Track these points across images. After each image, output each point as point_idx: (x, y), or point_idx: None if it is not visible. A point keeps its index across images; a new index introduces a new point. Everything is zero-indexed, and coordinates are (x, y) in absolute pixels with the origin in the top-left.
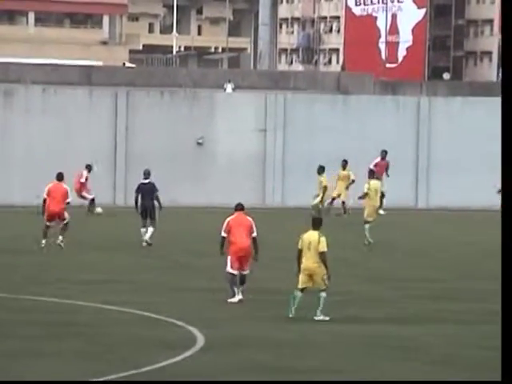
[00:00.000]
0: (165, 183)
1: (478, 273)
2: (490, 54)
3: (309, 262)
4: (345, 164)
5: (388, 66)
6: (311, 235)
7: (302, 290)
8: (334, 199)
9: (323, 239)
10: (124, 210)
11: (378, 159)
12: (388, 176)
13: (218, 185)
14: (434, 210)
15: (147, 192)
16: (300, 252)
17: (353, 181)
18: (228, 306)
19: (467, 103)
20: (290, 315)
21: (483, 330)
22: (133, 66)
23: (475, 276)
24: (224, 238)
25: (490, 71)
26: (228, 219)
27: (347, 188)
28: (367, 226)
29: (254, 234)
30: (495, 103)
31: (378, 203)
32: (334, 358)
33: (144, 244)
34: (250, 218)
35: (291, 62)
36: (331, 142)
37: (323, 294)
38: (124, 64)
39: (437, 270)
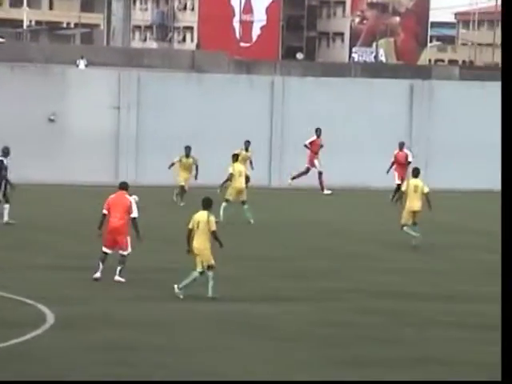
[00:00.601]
0: (16, 160)
1: (324, 251)
2: (342, 35)
3: (197, 241)
4: (248, 145)
5: (242, 45)
6: (200, 215)
7: (201, 273)
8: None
9: (212, 218)
10: None
11: (314, 137)
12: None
13: (70, 162)
14: (287, 189)
15: None
16: (190, 231)
17: (250, 162)
18: (80, 285)
19: (319, 83)
20: (178, 290)
21: (330, 307)
22: None
23: (322, 254)
24: (104, 215)
25: (342, 52)
26: (109, 197)
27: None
28: (245, 206)
29: (133, 215)
30: (346, 83)
31: (243, 185)
32: (186, 336)
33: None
34: (130, 198)
35: (145, 40)
36: (186, 120)
37: (211, 272)
38: None
39: (286, 249)
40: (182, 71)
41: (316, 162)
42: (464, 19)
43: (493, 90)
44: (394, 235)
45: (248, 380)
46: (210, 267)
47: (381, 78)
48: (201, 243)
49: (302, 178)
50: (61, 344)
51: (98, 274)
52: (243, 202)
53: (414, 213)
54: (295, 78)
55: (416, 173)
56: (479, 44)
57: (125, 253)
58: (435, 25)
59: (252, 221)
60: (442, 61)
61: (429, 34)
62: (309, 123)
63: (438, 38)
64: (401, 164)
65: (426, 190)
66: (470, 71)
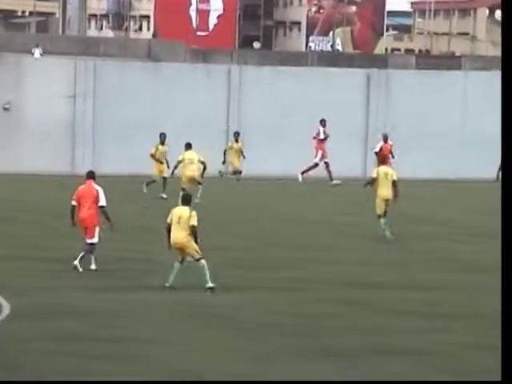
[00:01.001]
0: None
1: (286, 241)
2: (298, 24)
3: (178, 235)
4: (237, 136)
5: (199, 33)
6: (181, 210)
7: (180, 261)
8: (236, 172)
9: (194, 213)
10: None
11: (321, 128)
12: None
13: (26, 151)
14: (243, 178)
15: None
16: (169, 226)
17: (242, 153)
18: (38, 275)
19: (276, 72)
20: (167, 284)
21: (292, 297)
22: None
23: (283, 244)
24: (74, 206)
25: (299, 41)
26: (78, 188)
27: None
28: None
29: (101, 203)
30: (303, 73)
31: (194, 173)
32: (141, 326)
33: None
34: (97, 187)
35: (101, 28)
36: (142, 109)
37: (202, 262)
38: None
39: (246, 238)
40: (139, 60)
41: (319, 152)
42: (420, 8)
43: (449, 79)
44: (357, 225)
45: (207, 371)
46: (198, 259)
47: (337, 67)
48: (183, 237)
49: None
50: (17, 334)
51: (93, 266)
52: (199, 183)
53: (387, 201)
54: (252, 66)
55: (382, 160)
56: (435, 33)
57: (94, 241)
58: (391, 14)
59: (197, 200)
60: (399, 50)
61: (385, 23)
62: (266, 112)
63: (395, 27)
64: (385, 156)
65: (395, 177)
66: (426, 60)
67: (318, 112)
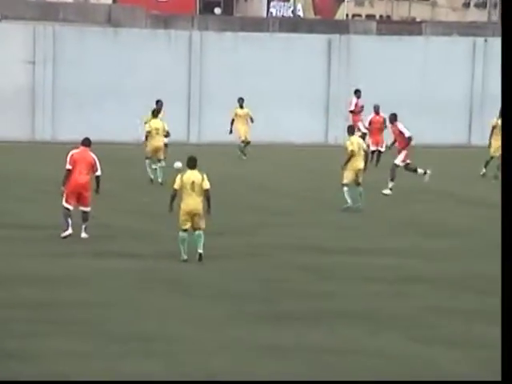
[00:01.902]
0: None
1: (248, 207)
2: None
3: (193, 202)
4: (242, 102)
5: None
6: (192, 175)
7: (186, 230)
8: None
9: (205, 176)
10: None
11: (355, 100)
12: None
13: None
14: (205, 145)
15: None
16: (175, 192)
17: (251, 119)
18: None
19: (238, 38)
20: (185, 257)
21: (253, 263)
22: None
23: (246, 210)
24: (69, 170)
25: (260, 7)
26: (72, 152)
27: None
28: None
29: (98, 173)
30: (264, 39)
31: (160, 143)
32: (103, 292)
33: None
34: (93, 155)
35: None
36: (102, 75)
37: (201, 232)
38: None
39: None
40: (99, 26)
41: (360, 124)
42: None
43: (409, 45)
44: (319, 191)
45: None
46: (198, 228)
47: (298, 33)
48: (198, 203)
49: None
50: None
51: (69, 231)
52: (159, 160)
53: (358, 171)
54: (213, 32)
55: (351, 130)
56: None
57: (87, 209)
58: None
59: (160, 180)
60: (360, 16)
61: None
62: (227, 78)
63: None
64: (376, 130)
65: (365, 147)
66: (387, 26)
67: (279, 78)
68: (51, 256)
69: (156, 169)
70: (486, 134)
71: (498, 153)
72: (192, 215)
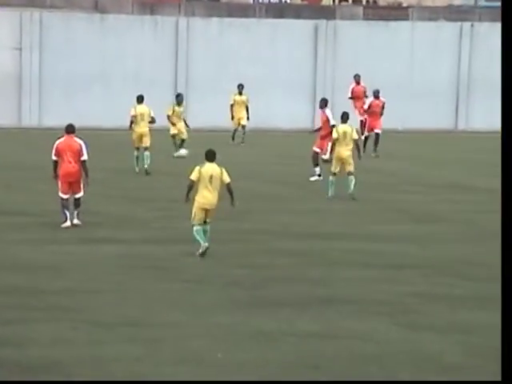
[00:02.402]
0: None
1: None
2: None
3: (210, 195)
4: (241, 88)
5: None
6: (211, 168)
7: (201, 224)
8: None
9: (224, 169)
10: None
11: (353, 84)
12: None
13: None
14: (192, 131)
15: None
16: (192, 183)
17: (247, 108)
18: None
19: (224, 24)
20: (206, 244)
21: (238, 249)
22: None
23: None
24: (55, 161)
25: None
26: (56, 142)
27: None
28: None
29: (84, 158)
30: (251, 24)
31: (145, 129)
32: (90, 278)
33: None
34: (79, 141)
35: None
36: (89, 61)
37: (208, 227)
38: None
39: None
40: (85, 12)
41: (356, 111)
42: None
43: (396, 30)
44: (304, 177)
45: (154, 323)
46: (209, 222)
47: (285, 19)
48: (215, 197)
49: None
50: None
51: (68, 223)
52: (146, 148)
53: (342, 160)
54: (200, 18)
55: (345, 118)
56: None
57: (79, 195)
58: None
59: (147, 167)
60: (346, 1)
61: None
62: (213, 64)
63: None
64: (375, 113)
65: (356, 136)
66: (374, 11)
67: (265, 64)
68: (38, 242)
69: (138, 157)
70: (472, 119)
71: None
72: (207, 209)
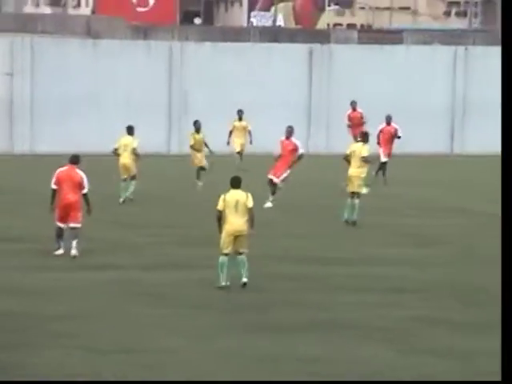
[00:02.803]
0: None
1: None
2: None
3: (237, 222)
4: (241, 114)
5: (139, 9)
6: (236, 195)
7: (227, 254)
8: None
9: (250, 194)
10: None
11: (350, 111)
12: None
13: None
14: (187, 155)
15: None
16: (220, 213)
17: (249, 132)
18: None
19: (218, 48)
20: (223, 283)
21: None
22: None
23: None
24: (54, 190)
25: (241, 16)
26: (57, 171)
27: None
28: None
29: (85, 191)
30: (245, 49)
31: (128, 160)
32: (83, 304)
33: None
34: (81, 173)
35: (38, 4)
36: (82, 86)
37: (244, 257)
38: None
39: (184, 215)
40: (78, 37)
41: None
42: None
43: (391, 53)
44: (303, 201)
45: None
46: (241, 253)
47: (280, 43)
48: (242, 224)
49: None
50: None
51: (61, 251)
52: (132, 178)
53: (351, 179)
54: (193, 43)
55: (362, 136)
56: (377, 8)
57: (76, 225)
58: None
59: (128, 194)
60: (341, 25)
61: None
62: (208, 89)
63: (336, 2)
64: (387, 139)
65: (364, 153)
66: (368, 35)
67: (260, 88)
68: (32, 269)
69: (124, 186)
70: (467, 142)
71: None
72: (236, 236)
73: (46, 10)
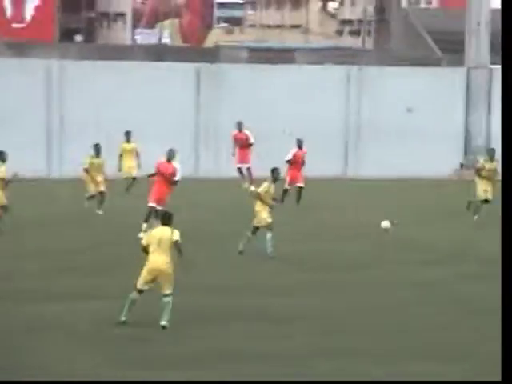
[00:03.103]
0: None
1: (116, 242)
2: (123, 15)
3: (157, 259)
4: (129, 136)
5: (15, 25)
6: (161, 231)
7: (141, 291)
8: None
9: (176, 231)
10: None
11: (236, 131)
12: None
13: None
14: (67, 180)
15: None
16: (144, 248)
17: (137, 153)
18: None
19: (99, 67)
20: (123, 318)
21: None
22: None
23: (109, 248)
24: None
25: (125, 34)
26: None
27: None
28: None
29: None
30: (129, 67)
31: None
32: None
33: None
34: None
35: None
36: None
37: (169, 299)
38: None
39: (90, 240)
40: None
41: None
42: (251, 0)
43: (282, 73)
44: (205, 225)
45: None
46: (168, 295)
47: (165, 61)
48: (163, 262)
49: None
50: None
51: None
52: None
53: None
54: (72, 61)
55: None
56: (267, 26)
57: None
58: (222, 6)
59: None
60: (230, 43)
61: (215, 15)
62: (88, 109)
63: (226, 20)
64: (297, 164)
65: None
66: (259, 53)
67: (146, 109)
68: None
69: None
70: (361, 164)
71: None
72: (154, 274)
73: None
